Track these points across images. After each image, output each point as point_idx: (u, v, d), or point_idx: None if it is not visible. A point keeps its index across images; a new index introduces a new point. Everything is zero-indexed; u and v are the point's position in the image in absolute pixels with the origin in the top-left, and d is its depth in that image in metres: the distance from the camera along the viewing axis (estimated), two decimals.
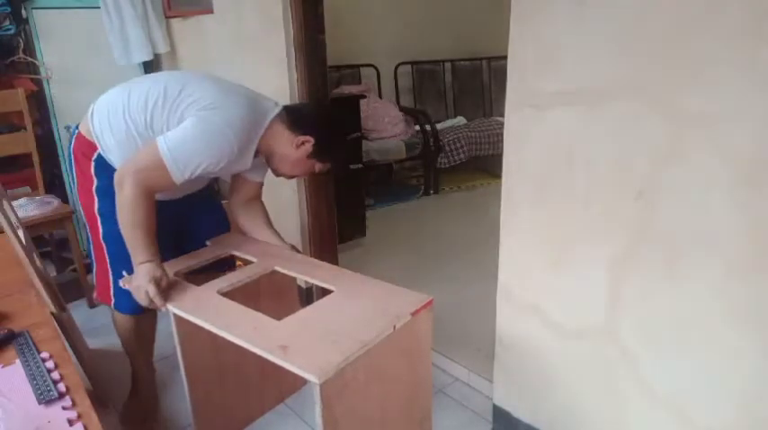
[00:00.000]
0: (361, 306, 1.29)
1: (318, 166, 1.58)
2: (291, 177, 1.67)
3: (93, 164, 1.52)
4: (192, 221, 1.75)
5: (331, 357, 1.08)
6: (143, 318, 1.67)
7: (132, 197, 1.36)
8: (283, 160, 1.56)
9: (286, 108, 1.57)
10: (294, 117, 1.54)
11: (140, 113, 1.44)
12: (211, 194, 1.94)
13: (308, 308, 1.32)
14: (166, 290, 1.38)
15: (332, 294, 1.37)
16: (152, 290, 1.34)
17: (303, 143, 1.51)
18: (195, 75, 1.54)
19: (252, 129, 1.48)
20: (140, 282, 1.36)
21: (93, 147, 1.51)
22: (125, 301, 1.55)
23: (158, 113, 1.43)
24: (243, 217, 1.74)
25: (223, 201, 1.96)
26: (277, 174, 1.63)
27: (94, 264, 1.65)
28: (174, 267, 1.53)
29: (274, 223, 2.49)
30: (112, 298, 1.62)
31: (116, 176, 1.39)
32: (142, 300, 1.36)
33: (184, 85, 1.45)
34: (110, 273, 1.58)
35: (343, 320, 1.23)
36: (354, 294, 1.35)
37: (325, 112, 1.65)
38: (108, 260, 1.57)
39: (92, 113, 1.51)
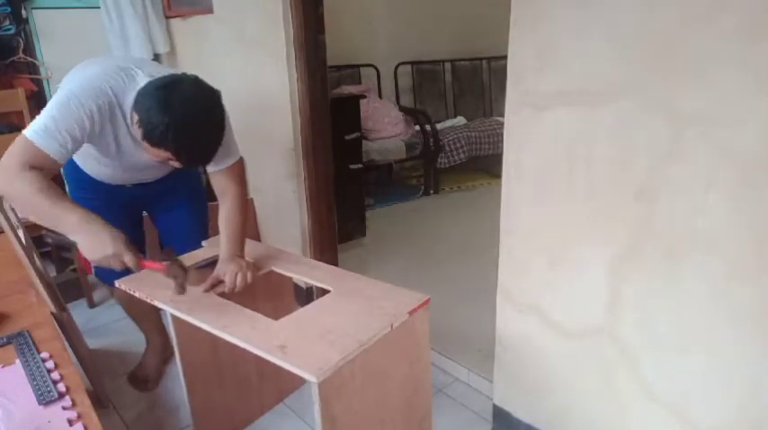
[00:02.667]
0: (358, 305, 1.29)
1: (163, 155, 1.24)
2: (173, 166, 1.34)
3: None
4: (159, 208, 1.78)
5: (329, 356, 1.08)
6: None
7: (21, 179, 1.20)
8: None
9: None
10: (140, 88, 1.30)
11: None
12: (195, 188, 1.88)
13: (306, 308, 1.32)
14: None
15: (329, 294, 1.37)
16: (129, 258, 1.20)
17: (136, 122, 1.25)
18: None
19: (110, 95, 1.31)
20: (111, 251, 1.19)
21: None
22: (104, 270, 1.55)
23: None
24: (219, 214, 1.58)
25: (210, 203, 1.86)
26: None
27: None
28: None
29: (275, 223, 2.49)
30: (92, 267, 1.68)
31: None
32: (116, 266, 1.22)
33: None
34: None
35: (340, 320, 1.23)
36: (352, 294, 1.35)
37: (161, 84, 1.22)
38: None
39: None
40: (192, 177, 1.84)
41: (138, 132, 1.25)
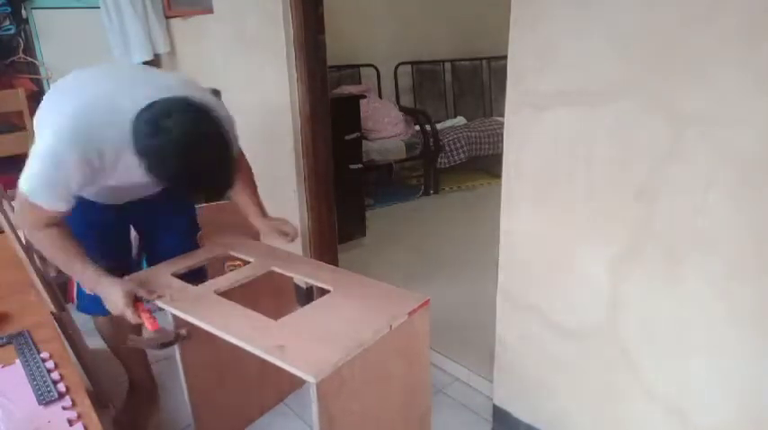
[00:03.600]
0: (358, 306, 1.29)
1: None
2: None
3: None
4: (153, 226, 1.67)
5: (328, 357, 1.08)
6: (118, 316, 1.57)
7: (37, 239, 1.32)
8: None
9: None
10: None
11: None
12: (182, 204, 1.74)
13: (306, 307, 1.32)
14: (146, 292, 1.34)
15: (329, 294, 1.37)
16: (129, 313, 1.31)
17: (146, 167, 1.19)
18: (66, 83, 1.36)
19: (94, 141, 1.21)
20: (115, 301, 1.31)
21: None
22: (87, 303, 1.53)
23: None
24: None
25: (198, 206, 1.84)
26: None
27: None
28: (170, 268, 1.53)
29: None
30: (75, 299, 1.61)
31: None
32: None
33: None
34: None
35: (340, 320, 1.23)
36: (351, 294, 1.35)
37: (150, 130, 1.13)
38: None
39: None
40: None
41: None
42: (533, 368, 1.57)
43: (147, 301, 1.35)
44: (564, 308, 1.44)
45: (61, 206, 1.27)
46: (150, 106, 1.16)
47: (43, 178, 1.23)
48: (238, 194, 1.58)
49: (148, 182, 1.21)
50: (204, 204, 1.84)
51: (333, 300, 1.34)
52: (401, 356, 1.30)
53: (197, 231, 1.75)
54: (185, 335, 1.37)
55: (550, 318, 1.47)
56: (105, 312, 1.39)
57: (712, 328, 1.15)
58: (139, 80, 1.34)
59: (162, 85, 1.29)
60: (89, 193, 1.47)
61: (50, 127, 1.23)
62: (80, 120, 1.20)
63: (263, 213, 1.59)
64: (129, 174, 1.28)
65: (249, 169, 1.64)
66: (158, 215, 1.64)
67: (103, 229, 1.55)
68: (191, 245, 1.69)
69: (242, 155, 1.59)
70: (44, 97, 1.37)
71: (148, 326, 1.31)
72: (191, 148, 1.12)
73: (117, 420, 1.80)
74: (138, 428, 1.81)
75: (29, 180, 1.24)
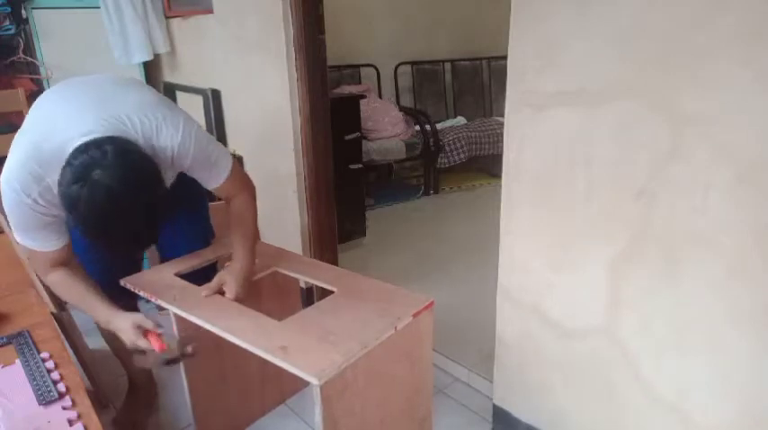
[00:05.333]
0: (361, 307, 1.29)
1: None
2: None
3: None
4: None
5: (331, 358, 1.08)
6: None
7: (49, 283, 1.34)
8: None
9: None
10: None
11: None
12: (193, 194, 1.67)
13: (309, 308, 1.32)
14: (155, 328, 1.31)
15: (333, 295, 1.36)
16: (142, 343, 1.28)
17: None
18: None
19: (47, 170, 1.17)
20: (126, 336, 1.30)
21: None
22: None
23: None
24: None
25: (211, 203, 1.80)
26: None
27: None
28: (175, 267, 1.53)
29: (275, 223, 2.49)
30: None
31: None
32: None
33: None
34: None
35: (343, 321, 1.23)
36: (355, 295, 1.35)
37: (72, 177, 1.08)
38: None
39: None
40: (190, 184, 1.59)
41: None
42: (533, 368, 1.57)
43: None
44: (564, 307, 1.44)
45: (51, 245, 1.27)
46: (82, 148, 1.10)
47: (17, 225, 1.23)
48: (231, 233, 1.50)
49: None
50: (213, 203, 1.83)
51: (337, 301, 1.34)
52: (404, 358, 1.30)
53: (210, 234, 1.74)
54: (191, 353, 1.35)
55: (550, 317, 1.47)
56: None
57: (712, 328, 1.15)
58: (91, 105, 1.24)
59: (113, 113, 1.22)
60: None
61: (5, 173, 1.20)
62: (28, 164, 1.17)
63: (238, 263, 1.44)
64: None
65: (250, 210, 1.50)
66: (174, 216, 1.56)
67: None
68: (202, 246, 1.68)
69: (250, 200, 1.50)
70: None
71: (156, 347, 1.31)
72: (103, 216, 1.08)
73: (117, 420, 1.81)
74: (138, 428, 1.80)
75: (12, 228, 1.25)
